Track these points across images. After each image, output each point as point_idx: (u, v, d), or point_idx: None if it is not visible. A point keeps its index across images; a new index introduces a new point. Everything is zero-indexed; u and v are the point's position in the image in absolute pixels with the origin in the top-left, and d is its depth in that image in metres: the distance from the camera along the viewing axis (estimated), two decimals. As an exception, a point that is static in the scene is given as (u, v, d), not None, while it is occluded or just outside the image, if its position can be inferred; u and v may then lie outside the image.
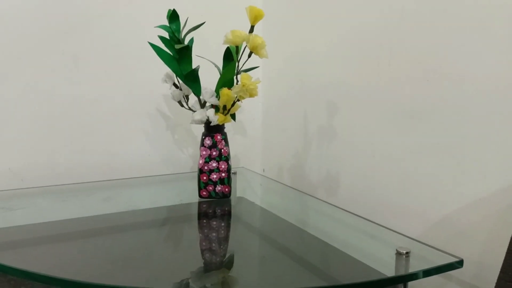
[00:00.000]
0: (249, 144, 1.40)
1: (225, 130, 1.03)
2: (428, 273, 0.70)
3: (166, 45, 0.94)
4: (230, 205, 1.03)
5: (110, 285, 0.65)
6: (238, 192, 1.15)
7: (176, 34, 0.92)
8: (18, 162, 1.11)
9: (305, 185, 1.20)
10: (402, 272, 0.73)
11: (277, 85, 1.29)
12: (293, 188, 1.21)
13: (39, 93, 1.11)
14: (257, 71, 1.24)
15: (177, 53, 0.93)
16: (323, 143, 1.13)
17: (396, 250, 0.74)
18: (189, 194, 1.13)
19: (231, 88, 0.93)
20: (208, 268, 0.73)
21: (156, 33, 1.00)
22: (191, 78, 0.96)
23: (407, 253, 0.73)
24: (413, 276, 0.71)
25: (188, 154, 1.31)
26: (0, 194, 1.06)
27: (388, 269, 0.73)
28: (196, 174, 1.19)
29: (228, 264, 0.75)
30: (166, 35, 0.96)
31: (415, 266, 0.73)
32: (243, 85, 0.89)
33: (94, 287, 0.66)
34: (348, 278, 0.73)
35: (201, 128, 1.29)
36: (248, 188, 1.23)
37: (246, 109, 1.36)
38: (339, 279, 0.74)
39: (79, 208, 1.01)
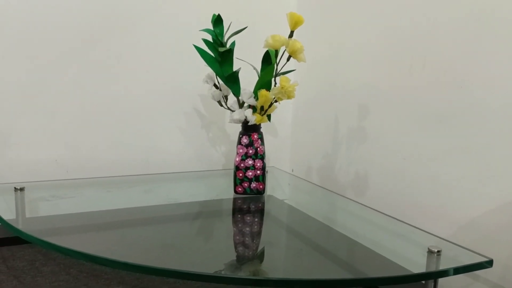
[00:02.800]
0: (279, 145, 1.44)
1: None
2: (458, 271, 0.74)
3: (209, 48, 1.00)
4: (263, 202, 1.08)
5: (154, 266, 0.70)
6: (268, 190, 1.20)
7: (220, 38, 0.97)
8: (64, 155, 1.18)
9: (333, 186, 1.24)
10: (433, 269, 0.76)
11: (307, 87, 1.34)
12: (322, 187, 1.25)
13: (84, 89, 1.17)
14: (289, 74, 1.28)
15: (219, 55, 0.98)
16: (353, 144, 1.17)
17: (428, 248, 0.77)
18: (224, 190, 1.18)
19: (270, 90, 0.98)
20: (244, 257, 0.78)
21: (196, 36, 1.06)
22: (231, 80, 1.01)
23: (438, 251, 0.77)
24: (444, 273, 0.74)
25: (221, 152, 1.37)
26: (48, 183, 1.13)
27: (418, 268, 0.77)
28: (228, 172, 1.25)
29: (263, 255, 0.80)
30: (209, 38, 1.01)
31: (445, 264, 0.76)
32: (282, 87, 0.94)
33: (139, 268, 0.71)
34: (378, 274, 0.77)
35: (234, 127, 1.34)
36: (278, 186, 1.28)
37: (277, 110, 1.40)
38: (369, 274, 0.78)
39: (122, 199, 1.08)
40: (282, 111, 1.42)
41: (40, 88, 1.13)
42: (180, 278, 0.74)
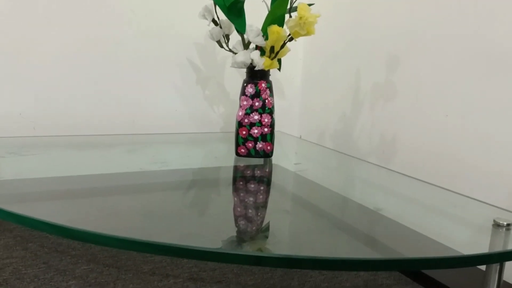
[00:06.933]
0: (286, 107, 1.25)
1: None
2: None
3: (208, -31, 0.79)
4: (270, 167, 0.89)
5: (143, 240, 0.52)
6: (274, 158, 1.01)
7: (221, -45, 0.77)
8: (31, 108, 0.97)
9: (351, 153, 1.06)
10: (499, 248, 0.58)
11: (322, 37, 1.13)
12: (340, 152, 1.06)
13: (59, 29, 0.97)
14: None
15: (221, -22, 0.78)
16: (379, 103, 0.98)
17: (494, 220, 0.59)
18: (223, 154, 0.99)
19: (285, 22, 0.78)
20: (247, 232, 0.60)
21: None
22: (235, 11, 0.81)
23: (508, 225, 0.58)
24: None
25: (219, 113, 1.17)
26: (8, 141, 0.93)
27: (472, 250, 0.58)
28: (228, 135, 1.05)
29: (269, 230, 0.61)
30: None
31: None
32: (300, 18, 0.74)
33: (122, 242, 0.53)
34: (420, 255, 0.58)
35: (235, 84, 1.14)
36: (286, 153, 1.09)
37: (283, 66, 1.21)
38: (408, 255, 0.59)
39: (101, 162, 0.88)
40: (289, 67, 1.22)
41: (2, 24, 0.92)
42: (170, 254, 0.56)
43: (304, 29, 0.75)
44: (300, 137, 1.27)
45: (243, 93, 0.86)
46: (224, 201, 0.75)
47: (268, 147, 0.88)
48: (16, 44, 0.94)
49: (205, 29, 0.87)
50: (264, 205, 0.72)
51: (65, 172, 0.81)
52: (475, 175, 0.76)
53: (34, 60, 0.96)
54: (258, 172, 0.87)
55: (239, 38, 0.85)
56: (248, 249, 0.56)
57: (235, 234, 0.60)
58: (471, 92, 0.77)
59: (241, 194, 0.77)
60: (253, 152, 0.87)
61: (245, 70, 0.86)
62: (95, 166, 0.86)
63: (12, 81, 0.95)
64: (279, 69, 0.90)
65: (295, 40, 0.79)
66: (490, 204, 0.67)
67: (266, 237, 0.60)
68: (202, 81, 1.13)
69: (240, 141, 0.87)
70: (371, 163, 0.97)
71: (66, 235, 0.57)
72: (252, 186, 0.80)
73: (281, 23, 0.82)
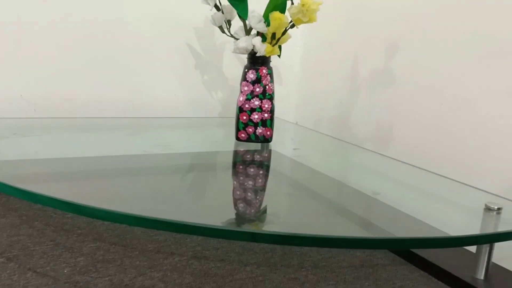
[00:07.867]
0: (283, 93, 1.26)
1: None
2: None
3: (212, -45, 0.80)
4: (270, 151, 0.91)
5: (155, 218, 0.54)
6: (272, 143, 1.03)
7: None
8: (31, 90, 0.98)
9: (347, 139, 1.08)
10: (490, 230, 0.61)
11: (321, 24, 1.15)
12: (337, 139, 1.08)
13: (58, 11, 0.97)
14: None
15: (225, -36, 0.79)
16: (376, 90, 1.00)
17: (485, 205, 0.62)
18: (222, 139, 1.01)
19: (287, 9, 0.79)
20: (247, 212, 0.62)
21: None
22: (238, -3, 0.82)
23: (498, 209, 0.61)
24: (506, 236, 0.59)
25: (217, 98, 1.18)
26: (10, 122, 0.94)
27: (462, 232, 0.62)
28: (226, 120, 1.07)
29: (267, 211, 0.64)
30: None
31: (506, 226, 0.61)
32: (303, 5, 0.75)
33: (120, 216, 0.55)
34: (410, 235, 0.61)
35: (234, 70, 1.16)
36: (283, 139, 1.11)
37: (282, 52, 1.22)
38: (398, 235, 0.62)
39: (100, 144, 0.90)
40: (287, 55, 1.23)
41: (2, 5, 0.92)
42: (175, 231, 0.58)
43: (307, 16, 0.76)
44: (297, 123, 1.29)
45: (244, 78, 0.88)
46: (226, 184, 0.77)
47: (268, 133, 0.90)
48: (17, 26, 0.94)
49: (204, 14, 0.88)
50: (263, 189, 0.74)
51: (69, 153, 0.83)
52: (469, 162, 0.79)
53: (34, 42, 0.96)
54: (258, 156, 0.89)
55: (241, 24, 0.86)
56: (247, 228, 0.59)
57: (235, 214, 0.63)
58: (467, 79, 0.80)
59: (242, 178, 0.79)
60: (253, 137, 0.89)
61: (245, 56, 0.88)
62: (98, 148, 0.88)
63: (13, 63, 0.95)
64: (279, 56, 0.92)
65: (297, 27, 0.81)
66: (482, 190, 0.70)
67: (265, 217, 0.63)
68: (201, 66, 1.15)
69: (240, 126, 0.89)
70: (368, 149, 1.00)
71: (80, 212, 0.59)
72: (253, 170, 0.82)
73: (282, 10, 0.83)
